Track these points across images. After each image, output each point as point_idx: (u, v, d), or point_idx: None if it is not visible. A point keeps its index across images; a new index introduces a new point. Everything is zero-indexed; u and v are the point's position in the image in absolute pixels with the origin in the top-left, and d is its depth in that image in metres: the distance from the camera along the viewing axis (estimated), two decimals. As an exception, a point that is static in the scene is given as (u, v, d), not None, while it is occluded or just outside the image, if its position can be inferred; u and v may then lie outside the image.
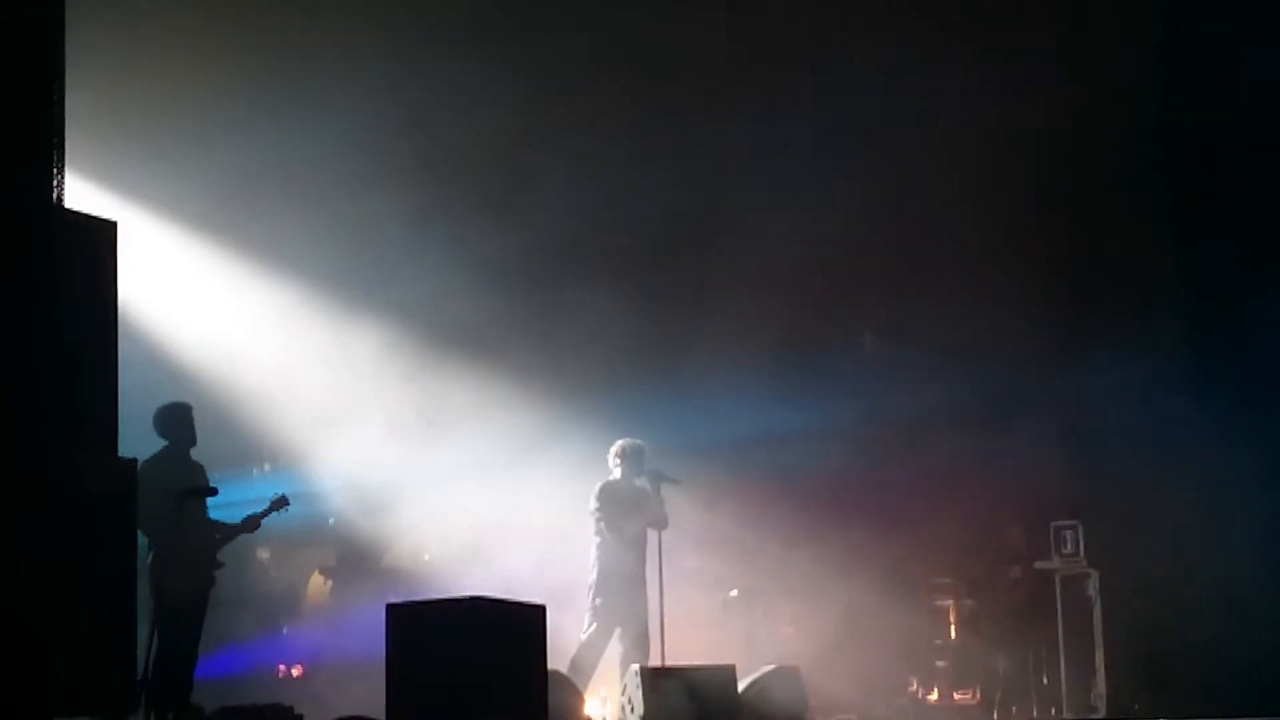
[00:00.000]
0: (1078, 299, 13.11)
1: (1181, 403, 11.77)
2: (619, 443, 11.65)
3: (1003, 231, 12.96)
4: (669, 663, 10.51)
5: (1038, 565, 12.45)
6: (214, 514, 10.55)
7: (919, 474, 13.07)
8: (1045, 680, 12.31)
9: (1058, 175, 13.13)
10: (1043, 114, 12.70)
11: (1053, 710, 12.09)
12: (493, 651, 7.77)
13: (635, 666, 10.02)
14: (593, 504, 11.48)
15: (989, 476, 12.58)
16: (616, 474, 11.59)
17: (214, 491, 10.20)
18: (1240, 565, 11.26)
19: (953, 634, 13.03)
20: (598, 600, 11.27)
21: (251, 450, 13.85)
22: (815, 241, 13.03)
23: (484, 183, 13.54)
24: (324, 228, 13.27)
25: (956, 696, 12.76)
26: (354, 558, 13.58)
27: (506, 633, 7.96)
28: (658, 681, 9.70)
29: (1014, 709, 12.36)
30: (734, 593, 12.97)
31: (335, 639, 12.73)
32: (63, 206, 6.44)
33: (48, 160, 6.24)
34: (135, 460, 7.45)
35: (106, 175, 11.95)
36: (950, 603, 13.11)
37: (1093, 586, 12.02)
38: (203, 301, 13.43)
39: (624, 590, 11.25)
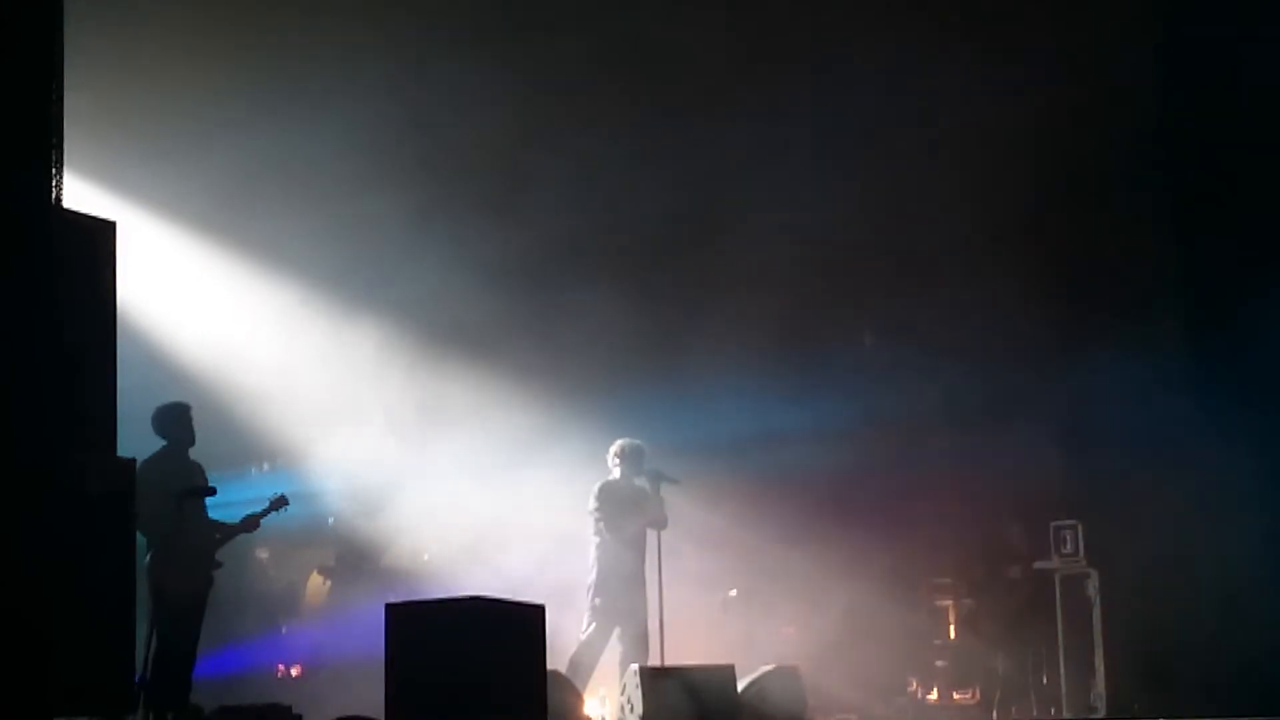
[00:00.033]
0: (1078, 299, 13.11)
1: (1181, 403, 11.78)
2: (619, 442, 11.64)
3: (1003, 231, 12.96)
4: (668, 663, 10.50)
5: (1037, 565, 12.45)
6: (213, 514, 10.54)
7: (919, 474, 13.08)
8: (1045, 680, 12.31)
9: (1058, 175, 13.14)
10: (1043, 114, 12.71)
11: (1052, 710, 12.09)
12: (492, 651, 7.77)
13: (634, 666, 10.02)
14: (592, 504, 11.48)
15: (989, 476, 12.59)
16: (616, 474, 11.59)
17: (213, 491, 10.20)
18: (1240, 565, 11.27)
19: (952, 634, 13.04)
20: (597, 600, 11.26)
21: (250, 450, 13.84)
22: (815, 241, 13.03)
23: (484, 183, 13.54)
24: (324, 228, 13.27)
25: (956, 696, 12.76)
26: (353, 557, 13.59)
27: (506, 633, 7.96)
28: (657, 681, 9.70)
29: (1014, 709, 12.36)
30: (734, 593, 12.96)
31: (335, 639, 12.72)
32: (62, 206, 6.44)
33: (47, 160, 6.23)
34: (135, 460, 7.44)
35: (106, 175, 11.96)
36: (950, 603, 13.11)
37: (1092, 586, 12.03)
38: (203, 301, 13.43)
39: (623, 590, 11.25)
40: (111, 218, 7.47)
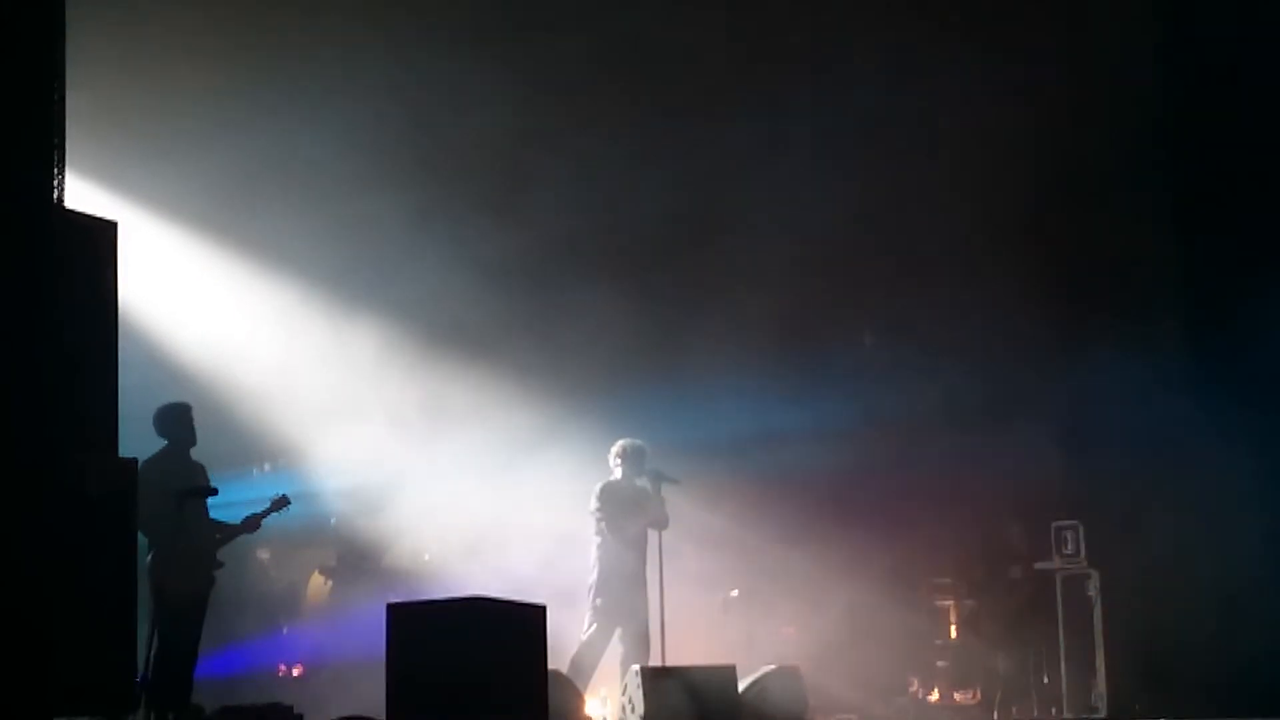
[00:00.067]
0: (1078, 299, 13.12)
1: (1181, 403, 11.78)
2: (619, 443, 11.64)
3: (1003, 231, 12.97)
4: (669, 663, 10.50)
5: (1038, 565, 12.45)
6: (214, 514, 10.54)
7: (919, 474, 13.08)
8: (1045, 680, 12.31)
9: (1058, 175, 13.14)
10: (1043, 114, 12.72)
11: (1053, 710, 12.09)
12: (493, 651, 7.77)
13: (635, 666, 10.02)
14: (593, 504, 11.47)
15: (989, 476, 12.59)
16: (617, 474, 11.58)
17: (214, 491, 10.20)
18: (1240, 565, 11.27)
19: (953, 634, 13.04)
20: (598, 600, 11.26)
21: (251, 450, 13.83)
22: (815, 241, 13.03)
23: (484, 183, 13.54)
24: (324, 228, 13.26)
25: (957, 696, 12.77)
26: (354, 557, 13.58)
27: (506, 633, 7.96)
28: (658, 681, 9.70)
29: (1014, 709, 12.36)
30: (734, 593, 12.96)
31: (335, 639, 12.72)
32: (63, 206, 6.45)
33: (48, 160, 6.25)
34: (135, 460, 7.45)
35: (106, 175, 11.94)
36: (950, 603, 13.12)
37: (1093, 586, 12.02)
38: (203, 301, 13.42)
39: (624, 590, 11.24)
40: (112, 217, 7.48)
